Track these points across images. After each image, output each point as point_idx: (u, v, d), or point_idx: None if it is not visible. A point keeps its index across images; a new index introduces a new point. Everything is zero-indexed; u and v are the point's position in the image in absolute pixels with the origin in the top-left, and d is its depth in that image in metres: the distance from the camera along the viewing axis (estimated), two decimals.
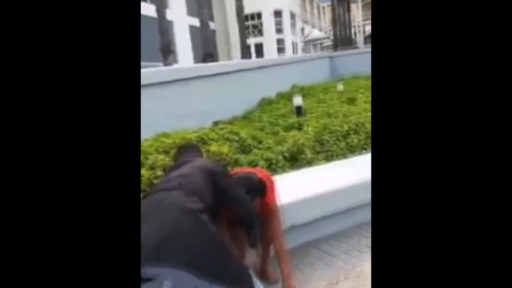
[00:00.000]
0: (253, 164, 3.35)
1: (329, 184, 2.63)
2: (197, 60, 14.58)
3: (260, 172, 2.11)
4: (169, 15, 12.56)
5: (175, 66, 11.73)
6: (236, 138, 3.47)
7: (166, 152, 3.15)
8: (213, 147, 3.17)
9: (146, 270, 1.28)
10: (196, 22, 13.77)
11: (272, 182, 2.07)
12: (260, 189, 1.92)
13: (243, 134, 3.69)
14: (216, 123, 6.11)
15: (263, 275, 2.10)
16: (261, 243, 2.02)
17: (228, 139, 3.44)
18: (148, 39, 11.81)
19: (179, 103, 6.48)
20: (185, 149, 2.03)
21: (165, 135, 3.60)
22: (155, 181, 2.66)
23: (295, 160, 3.59)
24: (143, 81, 6.47)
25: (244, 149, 3.51)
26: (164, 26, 11.40)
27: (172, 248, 1.30)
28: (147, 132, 3.76)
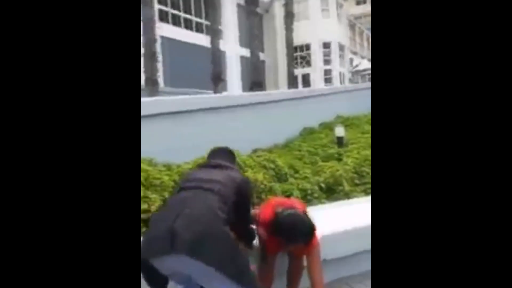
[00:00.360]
0: (288, 194, 3.39)
1: (366, 219, 2.56)
2: (245, 89, 15.13)
3: (300, 204, 2.11)
4: (222, 45, 13.28)
5: (224, 93, 12.26)
6: (273, 166, 3.55)
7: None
8: (249, 174, 3.28)
9: (183, 259, 1.39)
10: (247, 52, 14.40)
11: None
12: (311, 233, 1.85)
13: (280, 162, 3.76)
14: (255, 151, 6.26)
15: None
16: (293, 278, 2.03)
17: (264, 167, 3.53)
18: (201, 68, 12.58)
19: (224, 129, 6.74)
20: (218, 151, 2.03)
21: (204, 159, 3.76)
22: None
23: (332, 191, 3.57)
24: (192, 106, 6.89)
25: (280, 177, 3.57)
26: (217, 56, 12.08)
27: (206, 247, 1.39)
28: (190, 155, 3.97)
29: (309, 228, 1.83)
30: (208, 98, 8.69)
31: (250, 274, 1.57)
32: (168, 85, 12.27)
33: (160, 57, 10.61)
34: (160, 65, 10.37)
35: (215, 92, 11.80)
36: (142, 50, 9.05)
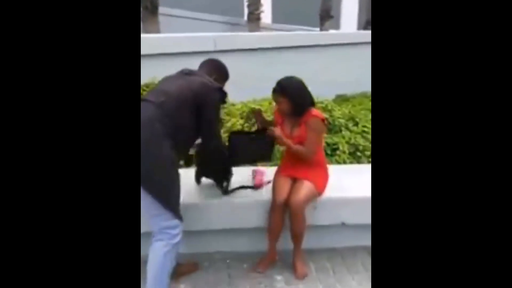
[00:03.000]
0: (335, 147, 3.10)
1: None
2: (360, 27, 13.74)
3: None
4: None
5: (330, 31, 11.40)
6: (326, 116, 3.23)
7: (249, 118, 3.25)
8: None
9: None
10: None
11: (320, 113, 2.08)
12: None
13: (338, 113, 3.40)
14: (339, 96, 5.78)
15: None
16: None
17: None
18: (309, 3, 11.79)
19: (319, 69, 6.34)
20: (208, 60, 1.96)
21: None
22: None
23: None
24: (291, 43, 6.60)
25: (333, 129, 3.26)
26: None
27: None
28: (261, 94, 3.83)
29: (296, 83, 2.01)
30: (310, 34, 8.18)
31: (174, 197, 1.67)
32: (274, 21, 11.99)
33: None
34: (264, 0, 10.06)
35: (321, 30, 11.09)
36: None
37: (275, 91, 1.99)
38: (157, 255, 1.62)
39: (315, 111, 2.02)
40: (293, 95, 1.96)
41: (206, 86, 1.73)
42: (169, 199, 1.61)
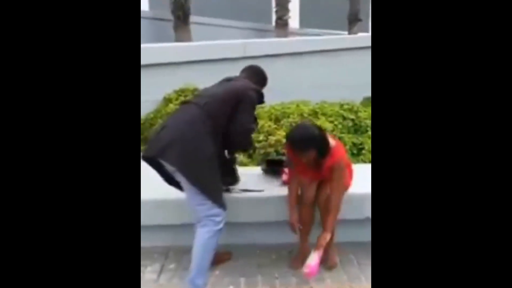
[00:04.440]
0: (360, 147, 3.19)
1: None
2: None
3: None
4: None
5: (359, 34, 11.36)
6: (353, 117, 3.34)
7: (277, 120, 3.41)
8: (321, 122, 3.20)
9: (169, 167, 1.79)
10: None
11: (340, 145, 2.08)
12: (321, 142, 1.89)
13: (364, 114, 3.49)
14: (367, 98, 5.81)
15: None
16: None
17: (343, 117, 3.36)
18: (337, 7, 11.82)
19: (347, 72, 6.41)
20: (248, 67, 2.15)
21: (303, 102, 3.69)
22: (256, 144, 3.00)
23: None
24: (321, 47, 6.71)
25: (359, 129, 3.35)
26: None
27: (174, 150, 1.71)
28: (289, 98, 3.98)
29: (310, 134, 1.86)
30: (338, 38, 8.25)
31: (219, 190, 1.87)
32: (301, 26, 12.10)
33: None
34: (291, 5, 10.21)
35: (349, 33, 11.07)
36: None
37: (293, 148, 1.89)
38: (201, 239, 1.82)
39: (335, 150, 1.95)
40: (312, 147, 1.85)
41: (245, 86, 1.94)
42: (211, 190, 1.80)
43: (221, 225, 1.85)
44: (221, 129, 1.84)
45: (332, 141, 1.97)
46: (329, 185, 1.99)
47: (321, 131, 1.95)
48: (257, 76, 2.11)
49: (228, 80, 2.02)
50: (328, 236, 1.95)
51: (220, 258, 2.21)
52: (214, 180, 1.84)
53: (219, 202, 1.84)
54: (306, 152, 1.86)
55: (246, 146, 2.15)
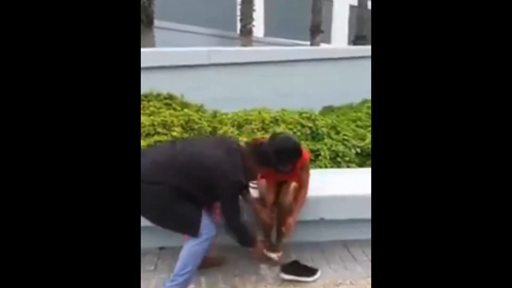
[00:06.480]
0: (317, 153, 3.38)
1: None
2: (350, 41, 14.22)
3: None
4: None
5: (322, 46, 11.81)
6: (310, 125, 3.53)
7: (239, 126, 3.54)
8: (281, 128, 3.37)
9: None
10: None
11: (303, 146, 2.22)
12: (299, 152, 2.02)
13: (321, 122, 3.70)
14: (326, 108, 6.09)
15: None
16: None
17: (301, 124, 3.54)
18: (300, 17, 12.25)
19: (308, 82, 6.68)
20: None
21: (264, 110, 3.82)
22: None
23: (368, 158, 3.40)
24: (281, 57, 6.94)
25: (316, 136, 3.55)
26: (318, 6, 11.53)
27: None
28: (251, 105, 4.12)
29: (297, 145, 2.01)
30: (300, 50, 8.55)
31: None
32: (266, 35, 12.38)
33: (256, 5, 10.65)
34: (256, 14, 10.46)
35: (311, 44, 11.48)
36: None
37: (284, 161, 1.95)
38: (189, 245, 1.85)
39: (304, 151, 2.11)
40: (284, 163, 1.95)
41: (224, 176, 1.82)
42: (183, 228, 1.89)
43: (209, 238, 1.87)
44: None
45: None
46: (299, 180, 2.18)
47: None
48: (261, 157, 1.92)
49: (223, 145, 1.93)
50: (296, 218, 2.15)
51: (210, 262, 2.22)
52: (185, 218, 1.86)
53: (196, 232, 1.84)
54: (295, 162, 2.01)
55: (247, 243, 2.06)
